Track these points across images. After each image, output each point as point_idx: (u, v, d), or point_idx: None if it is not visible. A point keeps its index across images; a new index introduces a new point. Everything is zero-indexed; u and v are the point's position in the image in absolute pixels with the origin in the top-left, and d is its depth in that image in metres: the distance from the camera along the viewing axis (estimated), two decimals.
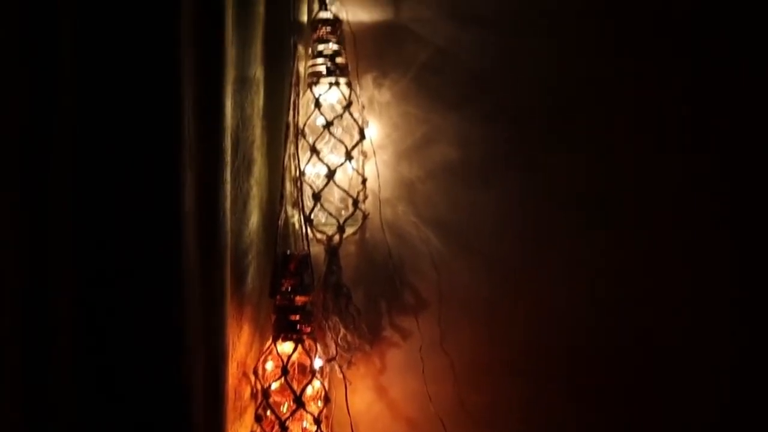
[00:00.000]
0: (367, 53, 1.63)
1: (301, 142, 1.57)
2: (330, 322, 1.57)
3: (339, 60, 1.59)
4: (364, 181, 1.61)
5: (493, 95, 1.65)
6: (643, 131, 1.63)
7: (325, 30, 1.59)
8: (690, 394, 1.61)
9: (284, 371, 1.50)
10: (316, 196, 1.56)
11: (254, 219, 1.52)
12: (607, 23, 1.64)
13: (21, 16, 1.11)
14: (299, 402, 1.51)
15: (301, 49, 1.60)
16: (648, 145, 1.63)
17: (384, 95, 1.65)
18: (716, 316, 1.61)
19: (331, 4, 1.60)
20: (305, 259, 1.53)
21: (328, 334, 1.56)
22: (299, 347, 1.52)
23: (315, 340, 1.55)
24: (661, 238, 1.62)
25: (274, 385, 1.52)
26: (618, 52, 1.64)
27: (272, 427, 1.51)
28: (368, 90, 1.65)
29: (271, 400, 1.52)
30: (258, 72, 1.54)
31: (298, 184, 1.56)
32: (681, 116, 1.62)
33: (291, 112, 1.57)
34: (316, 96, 1.57)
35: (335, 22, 1.60)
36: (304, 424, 1.53)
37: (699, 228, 1.62)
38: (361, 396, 1.62)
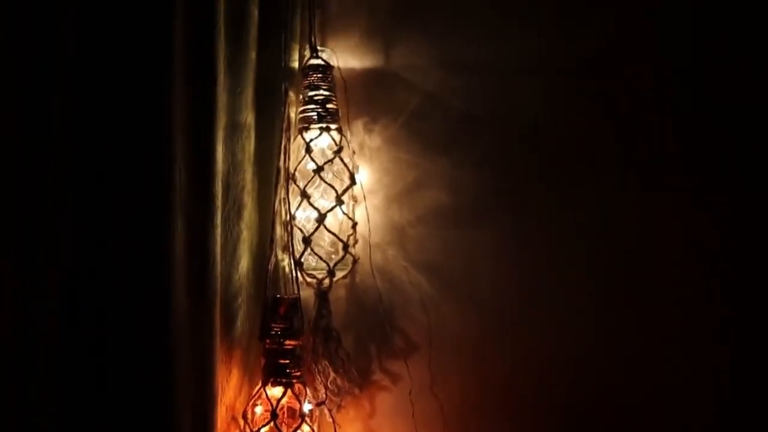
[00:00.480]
0: (358, 99, 1.64)
1: (292, 187, 1.57)
2: (320, 366, 1.56)
3: (330, 106, 1.59)
4: (354, 225, 1.61)
5: (483, 140, 1.65)
6: (634, 176, 1.64)
7: (316, 76, 1.60)
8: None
9: (273, 415, 1.49)
10: (307, 240, 1.57)
11: (244, 263, 1.52)
12: (599, 67, 1.65)
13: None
14: None
15: (292, 94, 1.61)
16: (640, 190, 1.63)
17: (374, 140, 1.66)
18: (713, 367, 1.60)
19: (322, 51, 1.61)
20: (295, 303, 1.53)
21: (318, 378, 1.56)
22: (289, 391, 1.51)
23: (305, 384, 1.53)
24: (656, 281, 1.62)
25: (264, 430, 1.50)
26: (608, 98, 1.65)
27: None
28: (359, 135, 1.66)
29: None
30: (249, 117, 1.55)
31: (289, 228, 1.56)
32: (673, 161, 1.63)
33: (282, 157, 1.58)
34: (307, 141, 1.58)
35: (326, 69, 1.60)
36: None
37: (692, 271, 1.62)
38: None
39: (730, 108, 1.62)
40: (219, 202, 1.38)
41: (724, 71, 1.63)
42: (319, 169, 1.57)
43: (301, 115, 1.60)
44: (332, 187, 1.58)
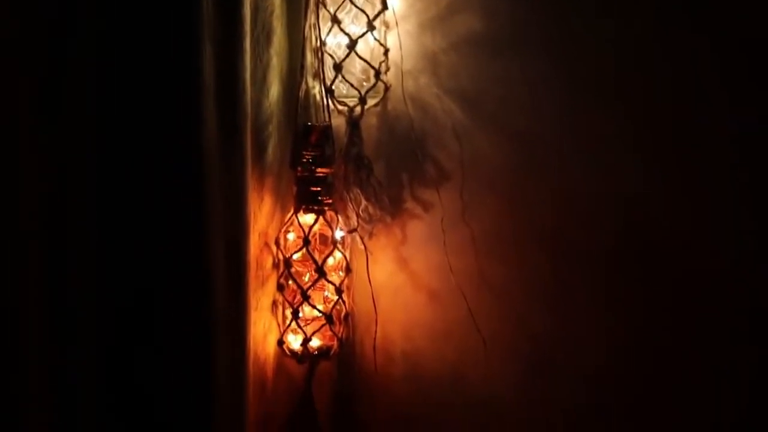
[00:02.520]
0: None
1: (322, 12, 1.54)
2: (351, 194, 1.57)
3: None
4: (386, 52, 1.57)
5: None
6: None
7: None
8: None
9: (306, 242, 1.52)
10: (338, 67, 1.55)
11: (274, 90, 1.52)
12: None
13: None
14: (321, 272, 1.53)
15: None
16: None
17: None
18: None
19: None
20: (326, 130, 1.54)
21: (350, 206, 1.57)
22: (320, 218, 1.54)
23: (336, 212, 1.56)
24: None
25: (296, 256, 1.54)
26: None
27: (294, 297, 1.55)
28: None
29: (293, 269, 1.55)
30: None
31: (319, 54, 1.55)
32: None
33: None
34: None
35: None
36: (326, 293, 1.57)
37: None
38: (382, 267, 1.62)
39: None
40: (248, 27, 1.35)
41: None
42: None
43: None
44: (363, 11, 1.54)
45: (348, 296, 1.59)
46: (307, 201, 1.54)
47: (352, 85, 1.56)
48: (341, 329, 1.58)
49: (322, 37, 1.54)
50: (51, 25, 1.12)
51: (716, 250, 1.54)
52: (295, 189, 1.55)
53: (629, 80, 1.56)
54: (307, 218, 1.54)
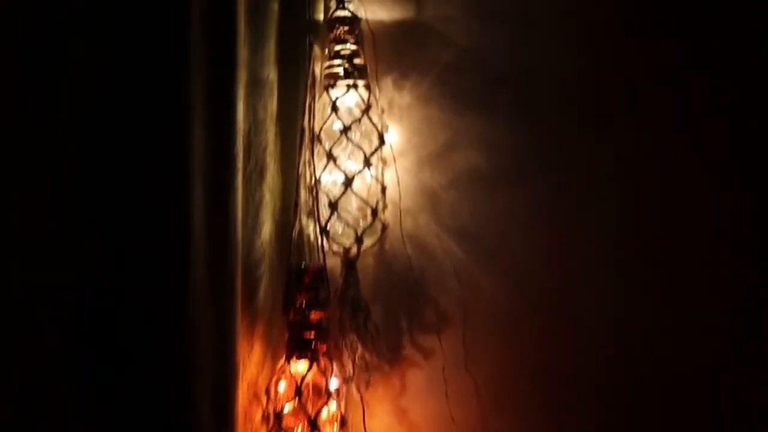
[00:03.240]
0: (387, 53, 1.59)
1: (317, 148, 1.52)
2: (347, 340, 1.52)
3: (357, 61, 1.54)
4: (383, 189, 1.55)
5: (520, 96, 1.59)
6: (673, 126, 1.57)
7: (342, 29, 1.54)
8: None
9: (298, 392, 1.45)
10: (333, 205, 1.51)
11: (267, 229, 1.49)
12: (641, 20, 1.58)
13: None
14: (314, 425, 1.46)
15: (317, 49, 1.56)
16: (683, 144, 1.56)
17: (405, 98, 1.61)
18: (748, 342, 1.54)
19: (349, 1, 1.55)
20: (321, 272, 1.49)
21: (345, 353, 1.52)
22: (314, 367, 1.47)
23: (331, 359, 1.50)
24: (703, 246, 1.55)
25: (287, 408, 1.47)
26: (653, 46, 1.58)
27: None
28: (388, 92, 1.61)
29: (283, 423, 1.46)
30: (272, 73, 1.51)
31: (314, 192, 1.52)
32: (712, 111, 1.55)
33: (306, 116, 1.53)
34: (333, 99, 1.52)
35: (353, 21, 1.54)
36: None
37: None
38: (379, 420, 1.57)
39: None
40: (240, 164, 1.34)
41: None
42: (346, 129, 1.52)
43: (327, 71, 1.54)
44: (360, 148, 1.52)
45: None
46: (299, 348, 1.48)
47: (348, 224, 1.52)
48: None
49: (317, 174, 1.52)
50: None
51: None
52: (287, 334, 1.49)
53: (626, 211, 1.57)
54: (300, 366, 1.47)
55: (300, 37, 1.54)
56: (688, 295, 1.54)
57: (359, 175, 1.52)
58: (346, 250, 1.53)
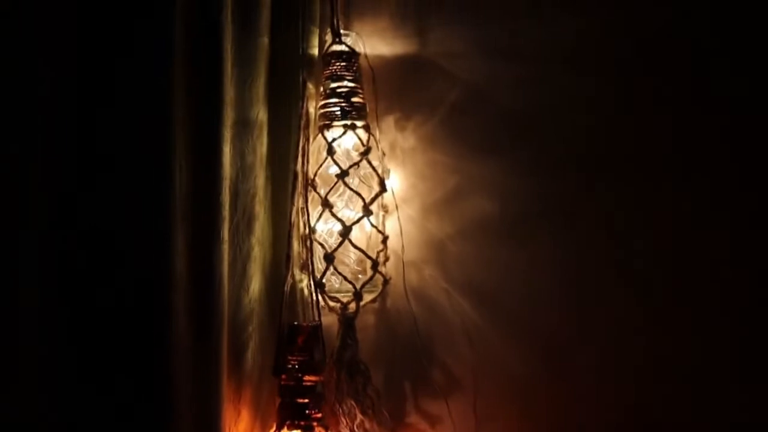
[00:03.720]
0: (388, 92, 1.55)
1: (311, 195, 1.49)
2: (344, 407, 1.46)
3: (355, 100, 1.50)
4: (384, 239, 1.51)
5: (533, 140, 1.54)
6: (694, 187, 1.49)
7: (339, 65, 1.51)
8: None
9: None
10: (329, 258, 1.47)
11: (255, 284, 1.44)
12: (663, 62, 1.52)
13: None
14: None
15: (311, 87, 1.53)
16: (697, 204, 1.49)
17: (408, 140, 1.57)
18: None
19: (346, 35, 1.53)
20: (315, 331, 1.43)
21: (343, 421, 1.46)
22: None
23: (326, 428, 1.43)
24: (721, 296, 1.47)
25: None
26: (673, 96, 1.51)
27: None
28: (389, 134, 1.57)
29: None
30: (261, 113, 1.47)
31: (308, 243, 1.47)
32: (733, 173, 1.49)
33: (299, 160, 1.50)
34: (329, 141, 1.48)
35: (351, 56, 1.52)
36: None
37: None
38: None
39: None
40: (226, 213, 1.30)
41: None
42: (343, 174, 1.47)
43: (322, 111, 1.51)
44: (359, 194, 1.48)
45: None
46: (292, 415, 1.40)
47: (345, 278, 1.48)
48: None
49: (312, 224, 1.48)
50: None
51: None
52: (278, 401, 1.42)
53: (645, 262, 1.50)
54: None
55: (292, 73, 1.51)
56: (707, 351, 1.47)
57: (358, 224, 1.47)
58: (344, 307, 1.48)
